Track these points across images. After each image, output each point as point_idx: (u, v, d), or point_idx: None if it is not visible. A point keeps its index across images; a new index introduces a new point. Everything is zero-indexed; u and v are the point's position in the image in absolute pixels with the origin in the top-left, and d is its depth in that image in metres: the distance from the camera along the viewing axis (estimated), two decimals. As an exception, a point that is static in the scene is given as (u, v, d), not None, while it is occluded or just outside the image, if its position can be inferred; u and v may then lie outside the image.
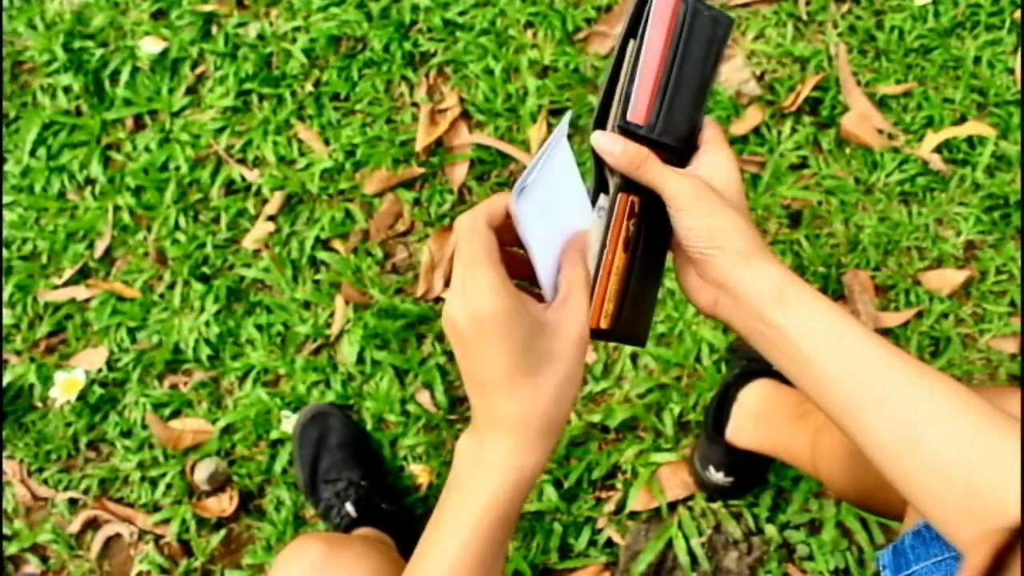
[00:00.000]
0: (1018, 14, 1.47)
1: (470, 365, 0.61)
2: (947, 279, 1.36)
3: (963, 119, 1.43)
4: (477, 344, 0.59)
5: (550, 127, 1.51)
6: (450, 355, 1.43)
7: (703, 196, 0.65)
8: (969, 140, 1.42)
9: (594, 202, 0.70)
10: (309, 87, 1.62)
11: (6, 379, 1.52)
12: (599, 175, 0.69)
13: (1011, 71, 1.45)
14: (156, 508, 1.44)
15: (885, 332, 1.34)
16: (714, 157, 0.68)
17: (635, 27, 0.68)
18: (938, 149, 1.42)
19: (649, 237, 0.70)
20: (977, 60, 1.46)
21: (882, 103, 1.46)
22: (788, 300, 0.64)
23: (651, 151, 0.66)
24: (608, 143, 0.66)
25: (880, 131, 1.44)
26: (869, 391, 0.62)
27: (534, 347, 0.59)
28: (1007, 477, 0.57)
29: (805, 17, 1.53)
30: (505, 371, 0.59)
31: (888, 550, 0.78)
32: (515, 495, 0.62)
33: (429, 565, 0.63)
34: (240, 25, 1.68)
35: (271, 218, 1.55)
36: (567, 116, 0.67)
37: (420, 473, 1.37)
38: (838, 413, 0.64)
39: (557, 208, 0.66)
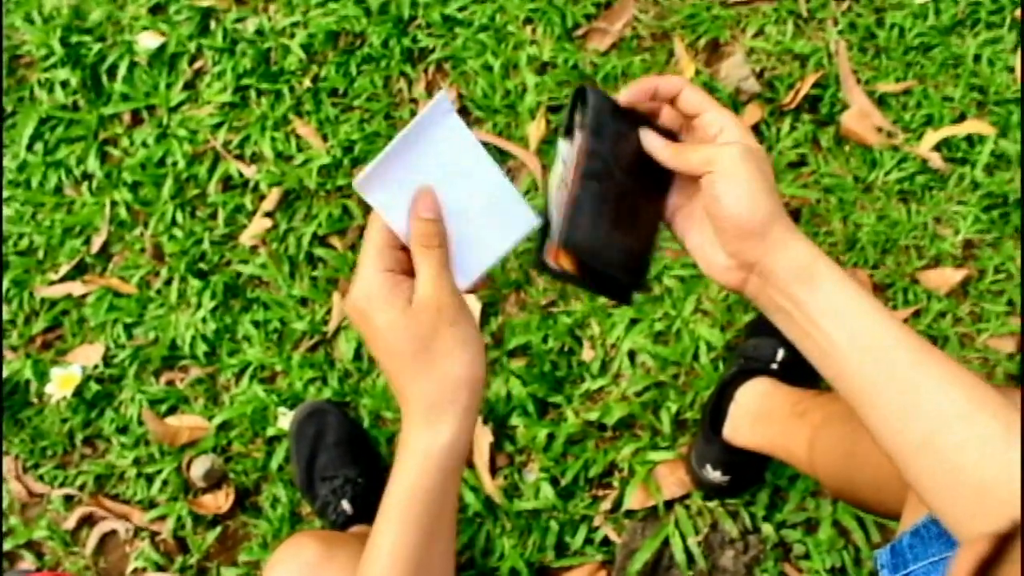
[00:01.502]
0: (1018, 12, 1.47)
1: (371, 350, 0.64)
2: (945, 278, 1.35)
3: (963, 117, 1.43)
4: (365, 328, 0.63)
5: (549, 123, 1.50)
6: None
7: (750, 163, 0.65)
8: (968, 138, 1.41)
9: None
10: (307, 83, 1.61)
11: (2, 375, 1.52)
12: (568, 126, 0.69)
13: (1011, 69, 1.44)
14: (152, 505, 1.43)
15: (883, 331, 1.34)
16: (736, 131, 0.67)
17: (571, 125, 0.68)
18: (937, 147, 1.41)
19: (630, 180, 0.69)
20: (977, 58, 1.46)
21: (881, 101, 1.46)
22: (814, 279, 0.64)
23: (680, 146, 0.68)
24: (656, 144, 0.68)
25: (879, 129, 1.43)
26: (890, 377, 0.62)
27: (404, 327, 0.61)
28: (1017, 479, 0.57)
29: (805, 14, 1.52)
30: (391, 354, 0.62)
31: (886, 549, 0.78)
32: (436, 474, 0.63)
33: (372, 556, 0.65)
34: (238, 20, 1.68)
35: (268, 214, 1.54)
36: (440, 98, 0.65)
37: (417, 470, 1.37)
38: (856, 397, 0.64)
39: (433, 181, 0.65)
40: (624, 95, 0.68)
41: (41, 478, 1.48)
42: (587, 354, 1.38)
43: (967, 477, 0.59)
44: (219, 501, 1.41)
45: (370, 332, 0.63)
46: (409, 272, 0.64)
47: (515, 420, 1.35)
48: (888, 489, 0.89)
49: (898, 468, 0.64)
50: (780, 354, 1.25)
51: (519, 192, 0.67)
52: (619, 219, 0.69)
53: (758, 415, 1.19)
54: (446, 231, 0.64)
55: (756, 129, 1.46)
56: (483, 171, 0.66)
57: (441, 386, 0.63)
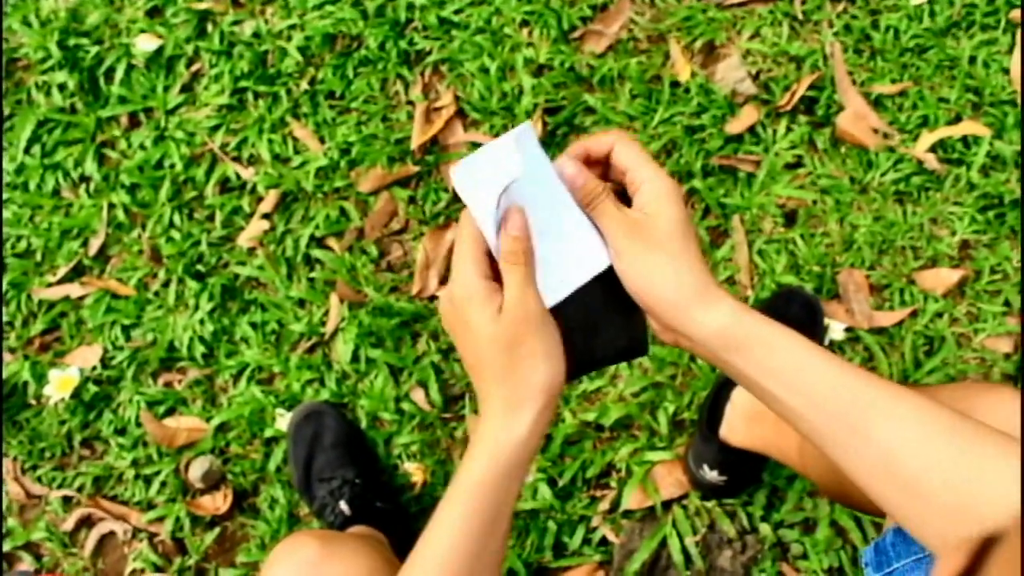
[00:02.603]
0: (1014, 14, 1.47)
1: (461, 350, 0.68)
2: (942, 278, 1.36)
3: (958, 119, 1.44)
4: (459, 329, 0.66)
5: (545, 125, 1.51)
6: (445, 353, 1.43)
7: (638, 241, 0.65)
8: (964, 140, 1.42)
9: None
10: (304, 85, 1.61)
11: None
12: None
13: (1006, 71, 1.45)
14: (150, 506, 1.44)
15: (879, 331, 1.34)
16: (652, 189, 0.66)
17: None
18: (933, 149, 1.42)
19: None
20: (972, 60, 1.47)
21: (877, 102, 1.46)
22: (739, 343, 0.64)
23: (607, 189, 0.67)
24: (573, 170, 0.67)
25: (875, 130, 1.44)
26: (838, 423, 0.62)
27: (494, 332, 0.64)
28: (985, 491, 0.57)
29: (801, 16, 1.53)
30: (480, 355, 0.66)
31: (870, 548, 0.79)
32: (504, 467, 0.66)
33: (433, 537, 0.67)
34: (236, 23, 1.68)
35: (266, 216, 1.54)
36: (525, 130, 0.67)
37: (414, 471, 1.37)
38: (811, 436, 0.64)
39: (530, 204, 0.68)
40: (563, 166, 0.67)
41: (39, 479, 1.48)
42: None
43: (930, 503, 0.59)
44: (217, 502, 1.41)
45: (462, 330, 0.66)
46: (498, 279, 0.67)
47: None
48: None
49: (869, 497, 0.64)
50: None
51: (595, 230, 0.68)
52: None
53: (752, 415, 1.20)
54: (532, 249, 0.67)
55: (752, 131, 1.47)
56: (561, 202, 0.67)
57: (520, 389, 0.65)
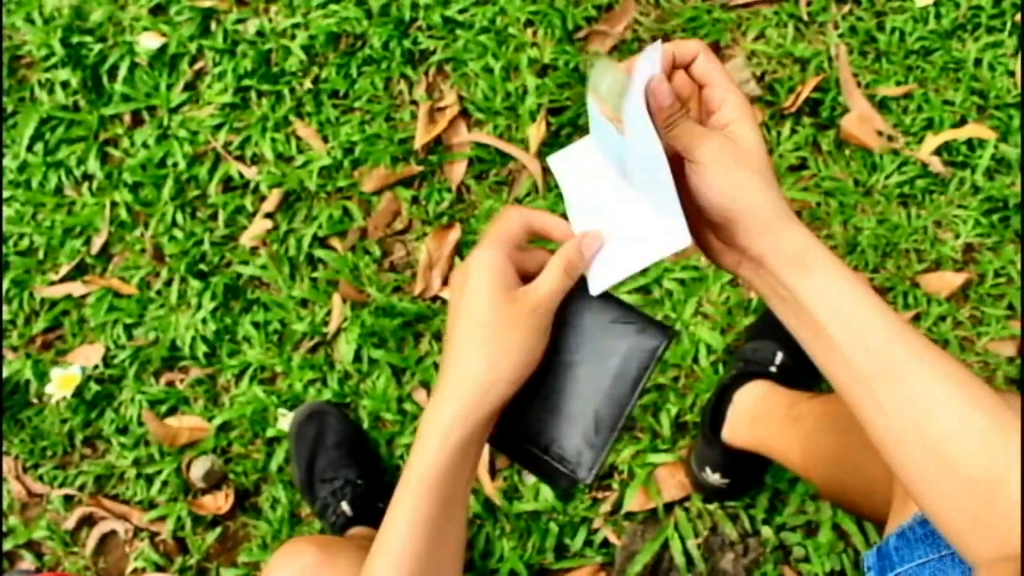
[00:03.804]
0: (1019, 16, 1.47)
1: (452, 312, 0.66)
2: (945, 282, 1.36)
3: (963, 121, 1.43)
4: (461, 289, 0.65)
5: (549, 126, 1.51)
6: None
7: (728, 154, 0.64)
8: (969, 143, 1.42)
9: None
10: (308, 84, 1.61)
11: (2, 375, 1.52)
12: None
13: (1012, 74, 1.45)
14: (152, 505, 1.43)
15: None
16: (735, 108, 0.65)
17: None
18: (938, 151, 1.41)
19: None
20: (978, 62, 1.46)
21: (882, 105, 1.46)
22: (808, 266, 0.64)
23: (685, 108, 0.66)
24: (663, 92, 0.65)
25: (880, 133, 1.44)
26: (881, 368, 0.62)
27: (499, 304, 0.64)
28: (1010, 465, 0.57)
29: (806, 18, 1.53)
30: (469, 319, 0.65)
31: (873, 551, 0.78)
32: (450, 447, 0.64)
33: (392, 523, 0.67)
34: (239, 21, 1.68)
35: (269, 215, 1.54)
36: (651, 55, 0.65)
37: (416, 472, 1.37)
38: (846, 386, 0.64)
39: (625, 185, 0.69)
40: (655, 88, 0.65)
41: (41, 478, 1.48)
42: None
43: (956, 471, 0.59)
44: (219, 502, 1.41)
45: (459, 296, 0.65)
46: (519, 270, 0.67)
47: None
48: (877, 494, 0.89)
49: (886, 462, 0.64)
50: (779, 357, 1.25)
51: (680, 205, 0.66)
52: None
53: (755, 417, 1.20)
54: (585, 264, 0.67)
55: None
56: (658, 172, 0.64)
57: (493, 370, 0.64)
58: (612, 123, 0.67)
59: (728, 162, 0.63)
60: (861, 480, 0.95)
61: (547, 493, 1.31)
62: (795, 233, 0.64)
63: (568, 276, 0.66)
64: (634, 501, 1.30)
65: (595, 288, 0.67)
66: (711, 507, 1.29)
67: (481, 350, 0.64)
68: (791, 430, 1.11)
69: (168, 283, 1.54)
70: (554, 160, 0.72)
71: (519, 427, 0.68)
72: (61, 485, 1.47)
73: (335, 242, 1.52)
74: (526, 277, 0.67)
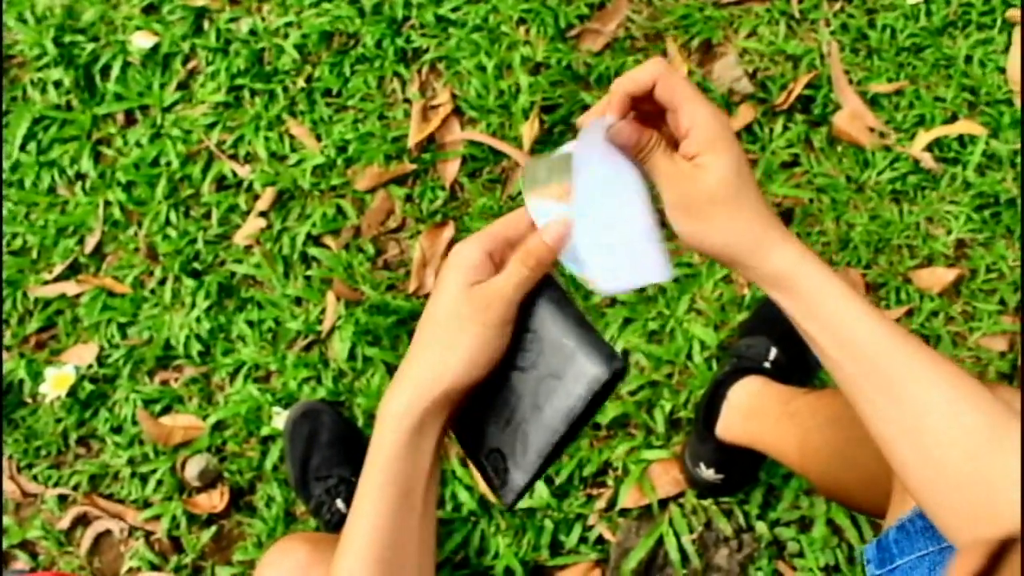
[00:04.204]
0: (1010, 13, 1.47)
1: (431, 300, 0.66)
2: (937, 277, 1.36)
3: (954, 118, 1.44)
4: (437, 281, 0.65)
5: (542, 123, 1.51)
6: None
7: (691, 197, 0.64)
8: (960, 139, 1.42)
9: None
10: (301, 83, 1.61)
11: (-4, 375, 1.52)
12: None
13: (1002, 70, 1.45)
14: (146, 504, 1.43)
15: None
16: (700, 135, 0.64)
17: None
18: (929, 148, 1.42)
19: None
20: (968, 59, 1.47)
21: (874, 101, 1.46)
22: (789, 288, 0.65)
23: (656, 138, 0.65)
24: (618, 128, 0.65)
25: (872, 129, 1.44)
26: (871, 371, 0.63)
27: (460, 299, 0.63)
28: (1004, 468, 0.58)
29: (798, 15, 1.53)
30: (431, 314, 0.64)
31: (872, 544, 0.79)
32: (405, 433, 0.64)
33: (356, 513, 0.66)
34: (232, 20, 1.68)
35: (262, 214, 1.54)
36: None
37: (411, 470, 1.37)
38: (842, 386, 0.65)
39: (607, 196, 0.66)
40: (614, 127, 0.65)
41: (35, 478, 1.47)
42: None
43: (950, 471, 0.60)
44: (214, 501, 1.41)
45: (436, 286, 0.65)
46: (500, 268, 0.65)
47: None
48: (877, 489, 0.89)
49: (886, 458, 0.65)
50: (773, 353, 1.25)
51: (662, 242, 0.66)
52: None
53: (749, 413, 1.20)
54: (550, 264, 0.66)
55: (749, 130, 1.47)
56: (634, 207, 0.65)
57: (440, 362, 0.63)
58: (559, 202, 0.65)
59: (690, 205, 0.64)
60: (860, 474, 0.95)
61: (542, 490, 1.32)
62: (773, 256, 0.64)
63: (526, 267, 0.64)
64: (629, 497, 1.31)
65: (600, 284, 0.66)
66: (705, 503, 1.30)
67: (433, 342, 0.64)
68: (787, 425, 1.12)
69: (162, 282, 1.54)
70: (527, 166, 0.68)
71: (473, 428, 0.67)
72: (55, 485, 1.46)
73: (329, 240, 1.52)
74: None
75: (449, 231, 1.48)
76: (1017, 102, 1.43)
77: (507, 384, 0.65)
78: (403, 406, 0.64)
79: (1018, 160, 1.40)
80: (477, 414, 0.67)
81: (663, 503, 1.31)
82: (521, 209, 0.67)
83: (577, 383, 0.62)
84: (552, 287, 0.65)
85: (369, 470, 0.65)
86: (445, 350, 0.63)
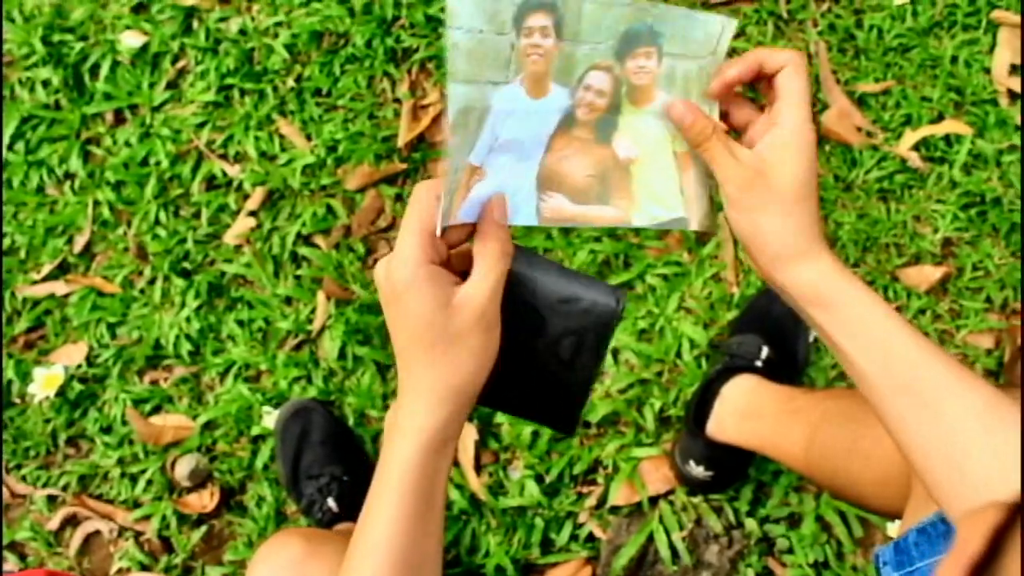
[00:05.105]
0: (994, 14, 1.49)
1: (390, 327, 0.63)
2: (924, 275, 1.37)
3: (941, 117, 1.45)
4: (392, 308, 0.62)
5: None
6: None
7: (752, 189, 0.64)
8: (946, 138, 1.44)
9: None
10: (291, 82, 1.61)
11: (-16, 375, 1.51)
12: None
13: (987, 70, 1.47)
14: (136, 505, 1.43)
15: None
16: (784, 136, 0.64)
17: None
18: (916, 147, 1.43)
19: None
20: (954, 59, 1.48)
21: (861, 101, 1.47)
22: (825, 302, 0.65)
23: (718, 129, 0.65)
24: (680, 112, 0.65)
25: (859, 129, 1.45)
26: (907, 395, 0.64)
27: (439, 322, 0.60)
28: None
29: (785, 15, 1.54)
30: (411, 340, 0.61)
31: (890, 547, 0.79)
32: (426, 455, 0.63)
33: (368, 530, 0.65)
34: (222, 20, 1.68)
35: (252, 213, 1.54)
36: None
37: (402, 468, 1.37)
38: (871, 397, 0.66)
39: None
40: (671, 107, 0.66)
41: (24, 478, 1.47)
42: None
43: (978, 489, 0.60)
44: (204, 500, 1.41)
45: (399, 313, 0.62)
46: (446, 263, 0.63)
47: (500, 418, 1.36)
48: (892, 486, 0.90)
49: (916, 471, 0.65)
50: (764, 352, 1.26)
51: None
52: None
53: (746, 412, 1.20)
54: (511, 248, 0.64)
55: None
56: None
57: (455, 380, 0.62)
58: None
59: (749, 202, 0.64)
60: (874, 472, 0.95)
61: (532, 488, 1.32)
62: (812, 268, 0.65)
63: (503, 261, 0.62)
64: (619, 495, 1.31)
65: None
66: (695, 500, 1.30)
67: (441, 362, 0.62)
68: (791, 423, 1.11)
69: (151, 282, 1.53)
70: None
71: (499, 398, 0.68)
72: (44, 485, 1.46)
73: (319, 240, 1.52)
74: (457, 256, 0.65)
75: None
76: (1002, 102, 1.45)
77: (522, 359, 0.66)
78: (427, 424, 0.63)
79: (1003, 159, 1.41)
80: (501, 391, 0.67)
81: (653, 500, 1.31)
82: (420, 193, 0.62)
83: (591, 330, 0.66)
84: (519, 253, 0.65)
85: (388, 475, 0.64)
86: (454, 367, 0.62)
